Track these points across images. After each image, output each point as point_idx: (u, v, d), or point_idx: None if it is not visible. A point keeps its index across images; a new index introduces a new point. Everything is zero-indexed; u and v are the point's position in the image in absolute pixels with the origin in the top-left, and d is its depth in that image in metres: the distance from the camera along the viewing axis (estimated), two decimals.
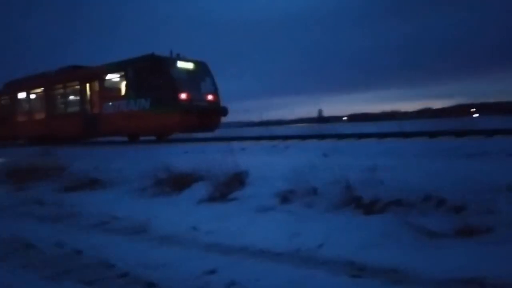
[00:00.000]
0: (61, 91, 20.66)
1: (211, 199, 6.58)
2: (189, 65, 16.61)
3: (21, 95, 23.47)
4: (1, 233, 5.37)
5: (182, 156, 10.29)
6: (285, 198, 5.69)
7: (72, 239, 4.94)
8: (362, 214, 4.88)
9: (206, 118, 16.15)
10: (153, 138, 18.66)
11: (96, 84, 18.44)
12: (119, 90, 17.52)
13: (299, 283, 3.27)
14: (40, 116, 21.89)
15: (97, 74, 18.58)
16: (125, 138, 19.26)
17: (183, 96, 15.39)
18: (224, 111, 17.45)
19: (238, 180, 6.58)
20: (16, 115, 23.64)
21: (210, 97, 16.89)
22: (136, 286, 3.42)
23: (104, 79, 18.27)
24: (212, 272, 3.56)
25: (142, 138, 18.96)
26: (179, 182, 7.74)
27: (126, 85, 17.07)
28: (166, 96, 15.48)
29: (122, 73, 17.31)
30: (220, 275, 3.48)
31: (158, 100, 15.65)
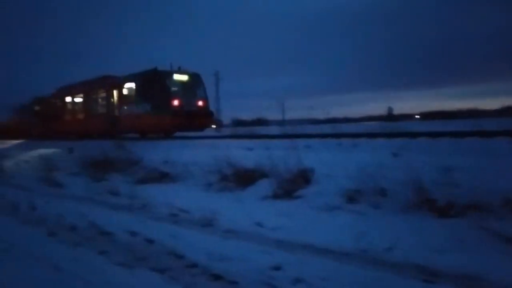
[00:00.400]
0: (94, 96, 25.46)
1: (276, 196, 6.62)
2: (184, 77, 20.13)
3: (68, 98, 28.41)
4: (80, 220, 5.86)
5: (247, 153, 10.46)
6: (352, 197, 5.55)
7: (144, 229, 5.25)
8: (436, 217, 4.62)
9: (195, 120, 19.46)
10: (182, 135, 20.52)
11: (116, 91, 22.72)
12: (132, 96, 21.65)
13: (367, 285, 3.18)
14: (80, 116, 26.83)
15: (117, 83, 22.70)
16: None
17: (175, 102, 19.01)
18: (211, 115, 21.63)
19: (303, 177, 6.54)
20: (64, 114, 28.65)
21: (200, 103, 20.38)
22: (204, 277, 3.55)
23: (122, 87, 22.32)
24: (277, 268, 3.58)
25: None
26: (243, 178, 7.88)
27: (136, 93, 21.29)
28: (161, 102, 19.19)
29: (133, 83, 21.42)
30: (285, 271, 3.49)
31: (156, 105, 19.51)
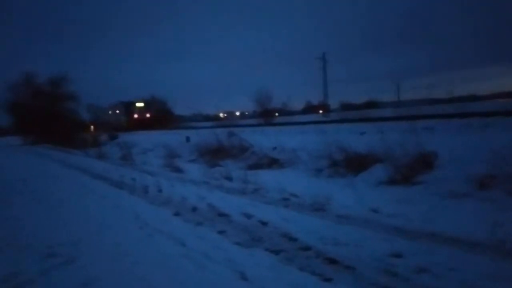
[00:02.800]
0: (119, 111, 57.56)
1: (391, 181, 6.36)
2: (141, 104, 55.58)
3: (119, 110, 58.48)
4: (199, 202, 6.43)
5: (358, 137, 10.21)
6: (483, 183, 5.05)
7: (258, 211, 5.54)
8: None
9: (145, 123, 47.68)
10: None
11: (123, 110, 56.51)
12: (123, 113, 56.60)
13: (503, 278, 2.89)
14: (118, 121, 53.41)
15: (126, 105, 56.43)
16: None
17: (135, 115, 54.87)
18: (151, 119, 51.41)
19: (423, 162, 6.16)
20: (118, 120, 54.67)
21: (147, 115, 54.16)
22: (319, 260, 3.62)
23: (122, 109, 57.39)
24: (398, 255, 3.47)
25: None
26: (355, 164, 7.74)
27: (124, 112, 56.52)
28: (131, 115, 54.87)
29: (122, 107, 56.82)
30: (407, 259, 3.37)
31: (129, 117, 54.67)
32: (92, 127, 42.00)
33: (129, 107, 55.00)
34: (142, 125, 44.90)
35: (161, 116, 52.75)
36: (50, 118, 36.20)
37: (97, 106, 52.65)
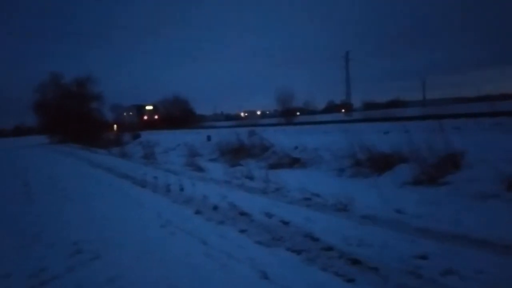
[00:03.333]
0: (132, 113, 61.60)
1: (417, 182, 6.24)
2: (150, 107, 61.78)
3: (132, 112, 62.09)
4: (221, 201, 6.46)
5: (382, 136, 10.06)
6: None
7: (279, 211, 5.53)
8: None
9: (153, 124, 51.84)
10: None
11: (135, 112, 60.77)
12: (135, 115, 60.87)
13: None
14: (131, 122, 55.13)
15: (137, 108, 61.12)
16: None
17: (145, 117, 59.64)
18: (159, 121, 56.47)
19: (451, 162, 6.01)
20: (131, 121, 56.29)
21: (156, 117, 59.72)
22: (341, 261, 3.59)
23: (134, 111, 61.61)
24: (423, 257, 3.40)
25: None
26: (379, 163, 7.62)
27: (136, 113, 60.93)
28: (141, 117, 59.16)
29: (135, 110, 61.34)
30: (433, 261, 3.30)
31: (140, 118, 58.19)
32: (115, 126, 42.92)
33: (140, 109, 61.10)
34: (151, 126, 49.97)
35: (182, 116, 55.14)
36: (76, 118, 37.16)
37: (120, 106, 58.59)
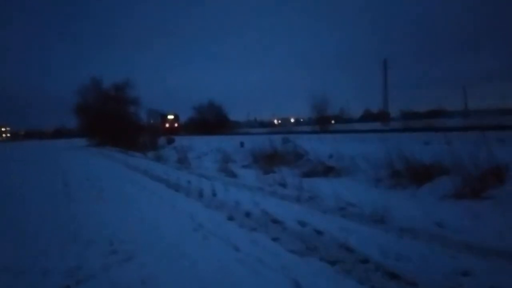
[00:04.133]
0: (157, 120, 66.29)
1: (459, 195, 5.99)
2: (171, 116, 72.99)
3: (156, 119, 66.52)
4: (253, 208, 6.46)
5: (422, 147, 9.77)
6: None
7: (313, 219, 5.45)
8: None
9: (173, 131, 59.92)
10: None
11: (159, 120, 67.33)
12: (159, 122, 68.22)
13: None
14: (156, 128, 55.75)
15: (161, 116, 69.33)
16: None
17: (166, 124, 69.09)
18: (178, 128, 69.06)
19: (495, 175, 5.74)
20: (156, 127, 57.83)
21: (176, 124, 71.94)
22: (378, 274, 3.48)
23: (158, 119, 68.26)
24: (466, 274, 3.25)
25: None
26: (419, 175, 7.38)
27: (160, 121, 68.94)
28: (163, 124, 67.77)
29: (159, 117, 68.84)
30: (476, 278, 3.14)
31: (162, 125, 65.96)
32: (150, 130, 44.15)
33: (163, 117, 70.92)
34: (171, 132, 57.20)
35: (216, 121, 57.12)
36: (114, 121, 38.46)
37: (156, 110, 62.63)
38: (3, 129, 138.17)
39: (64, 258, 4.36)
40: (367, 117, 72.01)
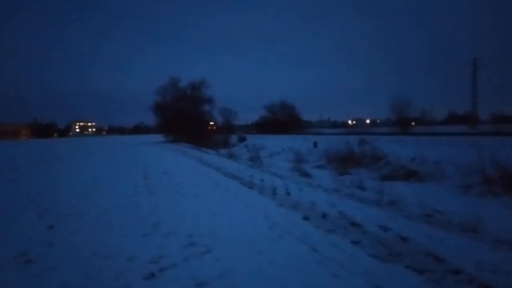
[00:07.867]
0: None
1: None
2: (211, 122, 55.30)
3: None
4: (330, 209, 6.34)
5: None
6: None
7: (395, 225, 5.22)
8: None
9: (213, 132, 43.48)
10: None
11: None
12: None
13: None
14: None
15: None
16: None
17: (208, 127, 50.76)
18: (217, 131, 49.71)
19: None
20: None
21: (214, 127, 48.40)
22: (472, 287, 3.24)
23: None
24: None
25: None
26: None
27: None
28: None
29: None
30: None
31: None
32: (223, 128, 45.51)
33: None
34: (211, 133, 58.71)
35: (288, 121, 55.87)
36: (189, 119, 40.27)
37: (229, 109, 63.55)
38: (89, 124, 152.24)
39: (148, 247, 4.64)
40: (452, 119, 67.47)
